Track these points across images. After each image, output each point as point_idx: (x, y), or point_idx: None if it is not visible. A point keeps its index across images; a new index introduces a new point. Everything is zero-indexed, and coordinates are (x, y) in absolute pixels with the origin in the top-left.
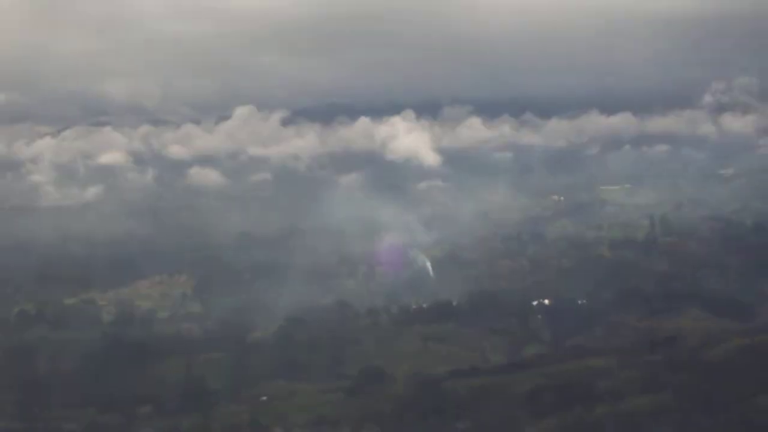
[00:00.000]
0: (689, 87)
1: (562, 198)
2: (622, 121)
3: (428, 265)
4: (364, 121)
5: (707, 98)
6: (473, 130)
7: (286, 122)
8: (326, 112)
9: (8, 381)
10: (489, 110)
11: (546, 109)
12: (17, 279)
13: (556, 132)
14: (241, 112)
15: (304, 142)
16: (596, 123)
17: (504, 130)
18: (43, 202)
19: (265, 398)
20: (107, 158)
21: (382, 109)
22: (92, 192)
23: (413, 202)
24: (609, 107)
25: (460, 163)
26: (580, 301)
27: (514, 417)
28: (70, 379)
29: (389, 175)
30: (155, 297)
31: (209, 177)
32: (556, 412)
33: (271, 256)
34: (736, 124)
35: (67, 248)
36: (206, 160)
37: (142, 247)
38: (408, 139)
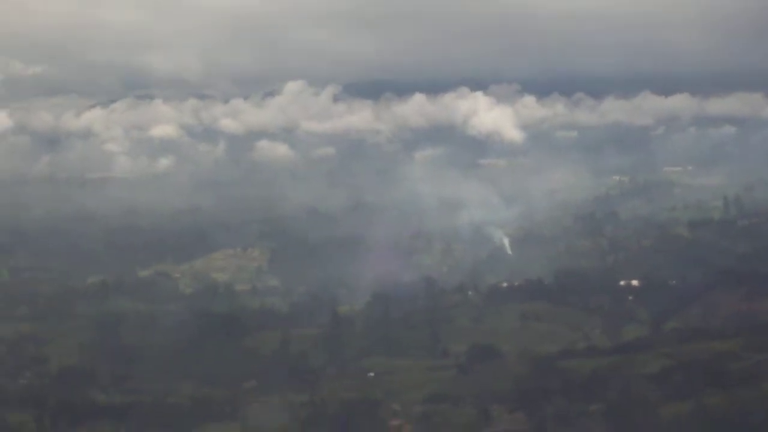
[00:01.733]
0: (751, 69)
1: (626, 178)
2: (680, 102)
3: (506, 242)
4: (418, 98)
5: None
6: (529, 109)
7: (337, 98)
8: (376, 88)
9: (98, 353)
10: (538, 89)
11: (598, 88)
12: (88, 250)
13: (611, 112)
14: (291, 87)
15: (358, 118)
16: (653, 103)
17: (558, 109)
18: (108, 173)
19: (372, 374)
20: (159, 131)
21: (433, 86)
22: (159, 164)
23: (487, 179)
24: (664, 88)
25: (523, 142)
26: (671, 282)
27: (647, 398)
28: (162, 351)
29: (461, 151)
30: (231, 270)
31: (277, 151)
32: (692, 394)
33: (340, 231)
34: None
35: (137, 220)
36: (262, 134)
37: (212, 220)
38: (488, 115)
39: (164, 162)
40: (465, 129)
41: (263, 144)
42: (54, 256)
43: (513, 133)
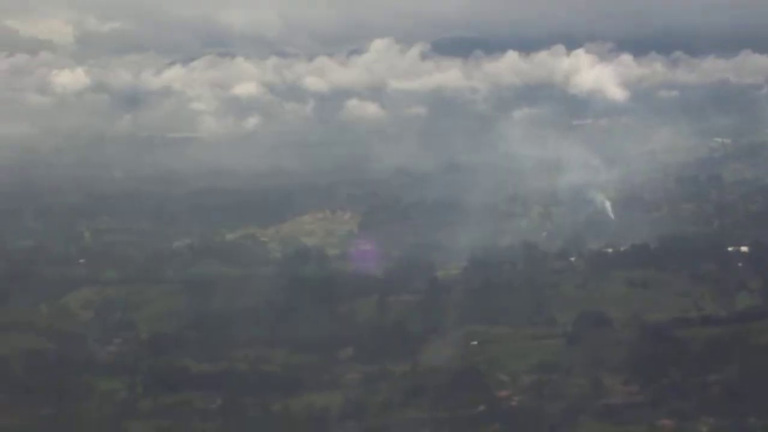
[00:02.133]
0: None
1: (729, 140)
2: None
3: (608, 205)
4: (511, 56)
5: None
6: (626, 68)
7: (425, 56)
8: (466, 46)
9: (189, 319)
10: (634, 48)
11: (697, 47)
12: (173, 212)
13: (712, 71)
14: (378, 44)
15: (447, 76)
16: (755, 62)
17: (656, 68)
18: (192, 133)
19: (475, 343)
20: (241, 89)
21: (525, 44)
22: (245, 124)
23: (587, 139)
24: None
25: (624, 101)
26: None
27: None
28: (254, 317)
29: (559, 110)
30: (320, 233)
31: (366, 110)
32: None
33: (433, 194)
34: None
35: (222, 181)
36: (350, 93)
37: (299, 182)
38: (589, 73)
39: (250, 121)
40: (565, 88)
41: (352, 103)
42: (137, 219)
43: (615, 92)
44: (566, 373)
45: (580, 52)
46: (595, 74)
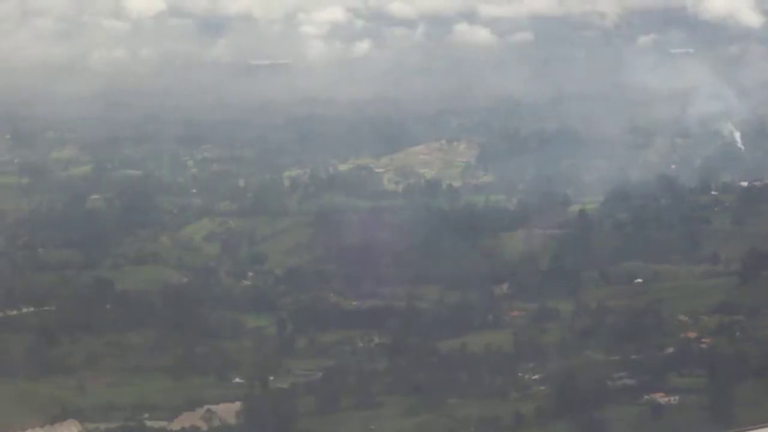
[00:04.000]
0: None
1: None
2: None
3: (737, 136)
4: None
5: None
6: None
7: None
8: None
9: (321, 252)
10: None
11: None
12: (277, 141)
13: None
14: None
15: (539, 2)
16: None
17: None
18: (279, 60)
19: (640, 281)
20: (326, 14)
21: None
22: (341, 49)
23: (715, 67)
24: None
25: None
26: None
27: None
28: (392, 252)
29: (689, 36)
30: (437, 165)
31: (477, 35)
32: None
33: (547, 124)
34: None
35: (323, 109)
36: (435, 19)
37: (405, 110)
38: None
39: (343, 47)
40: (696, 12)
41: (461, 28)
42: (241, 148)
43: (750, 18)
44: (750, 315)
45: None
46: None
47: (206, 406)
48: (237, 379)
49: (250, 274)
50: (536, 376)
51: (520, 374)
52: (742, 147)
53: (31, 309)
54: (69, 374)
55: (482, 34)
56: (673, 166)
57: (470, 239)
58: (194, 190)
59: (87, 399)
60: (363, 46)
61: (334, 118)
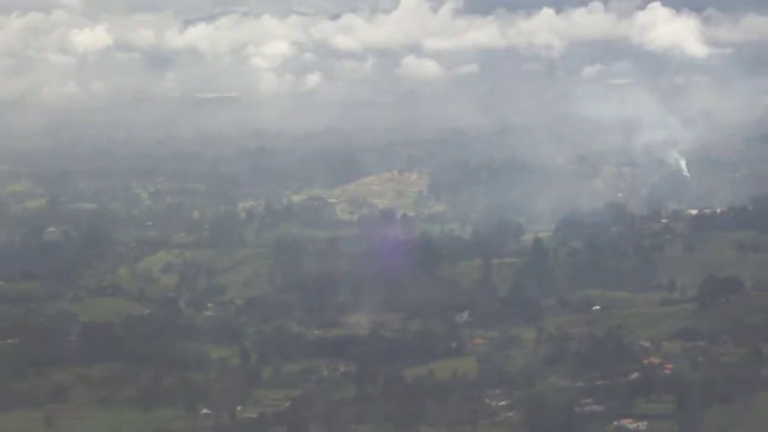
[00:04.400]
0: None
1: None
2: None
3: (683, 164)
4: (546, 13)
5: None
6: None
7: (457, 14)
8: (499, 2)
9: (280, 283)
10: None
11: (735, 5)
12: (229, 173)
13: (753, 28)
14: (408, 1)
15: (483, 35)
16: None
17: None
18: (224, 93)
19: (597, 308)
20: (272, 48)
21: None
22: (287, 82)
23: (665, 97)
24: None
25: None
26: None
27: None
28: (351, 281)
29: (635, 66)
30: (389, 195)
31: (424, 67)
32: None
33: (495, 154)
34: None
35: (270, 141)
36: (380, 53)
37: (354, 143)
38: (666, 28)
39: (289, 80)
40: (641, 42)
41: (408, 61)
42: (194, 180)
43: (695, 48)
44: (711, 341)
45: (656, 5)
46: (674, 29)
47: None
48: (205, 410)
49: (210, 305)
50: (503, 402)
51: (487, 401)
52: (688, 175)
53: None
54: (36, 407)
55: (429, 66)
56: (620, 194)
57: (428, 268)
58: (150, 223)
59: None
60: (313, 78)
61: (284, 150)
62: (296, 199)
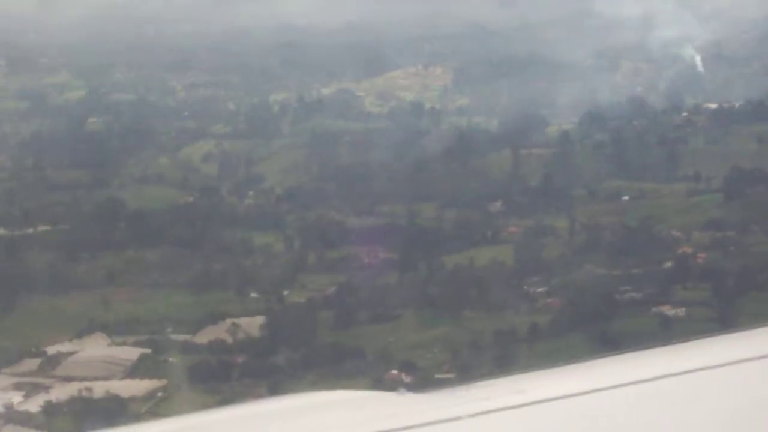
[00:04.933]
0: None
1: None
2: None
3: (698, 60)
4: None
5: None
6: None
7: None
8: None
9: (318, 173)
10: None
11: None
12: (260, 66)
13: None
14: None
15: None
16: None
17: None
18: None
19: (626, 198)
20: None
21: None
22: None
23: None
24: None
25: None
26: None
27: None
28: (386, 171)
29: None
30: (415, 88)
31: None
32: None
33: (517, 50)
34: None
35: (309, 36)
36: None
37: (377, 37)
38: None
39: None
40: None
41: None
42: (226, 73)
43: None
44: (741, 231)
45: None
46: None
47: (228, 320)
48: (254, 294)
49: (251, 193)
50: (541, 289)
51: (525, 288)
52: (703, 70)
53: (48, 227)
54: (91, 290)
55: None
56: (638, 89)
57: (460, 159)
58: (186, 114)
59: (111, 314)
60: None
61: (312, 44)
62: (326, 92)
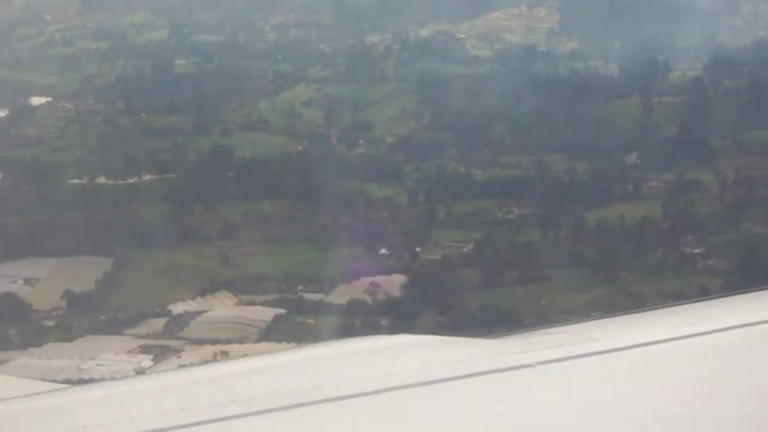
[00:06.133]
0: None
1: None
2: None
3: None
4: None
5: None
6: None
7: None
8: None
9: (429, 120)
10: None
11: None
12: (356, 6)
13: None
14: None
15: None
16: None
17: None
18: None
19: None
20: None
21: None
22: None
23: None
24: None
25: None
26: None
27: None
28: (503, 119)
29: None
30: (519, 30)
31: None
32: None
33: None
34: None
35: None
36: None
37: None
38: None
39: None
40: None
41: None
42: (317, 13)
43: None
44: None
45: None
46: None
47: (363, 279)
48: (383, 250)
49: (361, 141)
50: (698, 250)
51: (681, 248)
52: None
53: (153, 176)
54: (208, 245)
55: None
56: (759, 33)
57: (584, 106)
58: (279, 56)
59: (232, 270)
60: None
61: None
62: (423, 34)
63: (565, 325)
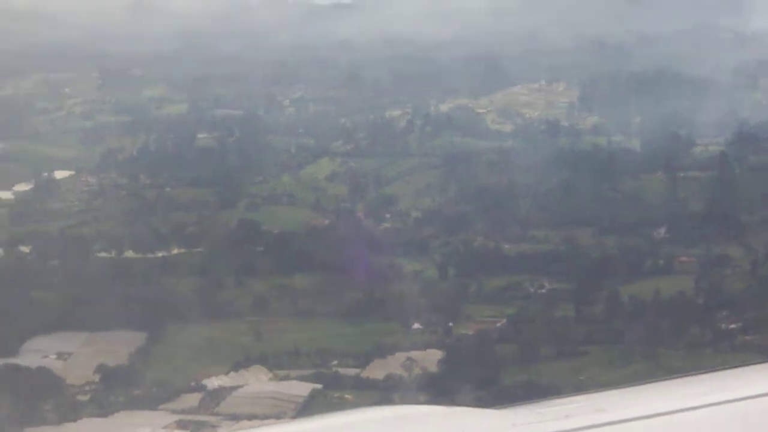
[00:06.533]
0: None
1: None
2: None
3: None
4: None
5: None
6: None
7: None
8: None
9: (455, 192)
10: None
11: None
12: (374, 81)
13: None
14: None
15: None
16: None
17: None
18: None
19: None
20: None
21: None
22: None
23: None
24: None
25: None
26: None
27: None
28: (529, 193)
29: None
30: (539, 105)
31: None
32: None
33: (635, 64)
34: None
35: (414, 49)
36: None
37: (494, 50)
38: None
39: None
40: None
41: None
42: (335, 87)
43: None
44: None
45: None
46: None
47: (399, 354)
48: (417, 325)
49: (388, 215)
50: (734, 325)
51: (718, 323)
52: None
53: (182, 250)
54: (240, 318)
55: None
56: None
57: (610, 181)
58: (301, 130)
59: (265, 344)
60: None
61: (422, 57)
62: (443, 108)
63: (574, 395)
